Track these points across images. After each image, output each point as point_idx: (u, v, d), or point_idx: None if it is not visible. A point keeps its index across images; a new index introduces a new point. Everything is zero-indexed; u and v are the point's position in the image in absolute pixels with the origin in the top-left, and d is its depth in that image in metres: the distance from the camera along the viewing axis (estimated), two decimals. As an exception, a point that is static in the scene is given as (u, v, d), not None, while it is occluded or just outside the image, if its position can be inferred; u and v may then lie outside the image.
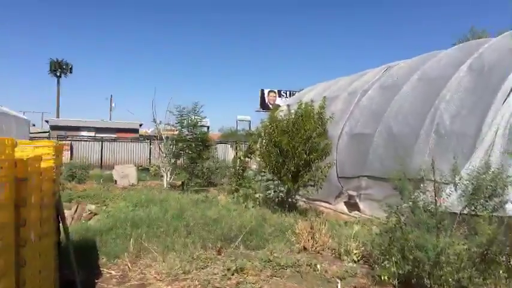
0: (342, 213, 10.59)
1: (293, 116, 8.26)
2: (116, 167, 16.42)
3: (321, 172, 8.41)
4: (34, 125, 63.17)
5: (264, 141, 8.76)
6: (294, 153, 7.89)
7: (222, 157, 21.50)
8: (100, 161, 21.74)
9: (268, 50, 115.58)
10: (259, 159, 8.88)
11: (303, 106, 8.39)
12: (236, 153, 12.53)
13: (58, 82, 64.06)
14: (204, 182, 15.62)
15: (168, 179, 13.87)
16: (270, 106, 58.10)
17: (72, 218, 8.65)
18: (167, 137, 14.21)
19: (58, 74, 64.20)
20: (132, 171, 16.10)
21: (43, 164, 2.98)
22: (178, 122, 13.47)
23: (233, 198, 10.93)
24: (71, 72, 65.95)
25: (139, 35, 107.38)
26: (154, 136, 15.12)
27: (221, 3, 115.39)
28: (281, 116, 8.74)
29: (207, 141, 15.56)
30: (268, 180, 9.22)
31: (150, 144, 19.40)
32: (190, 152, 13.32)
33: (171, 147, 13.82)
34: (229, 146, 24.87)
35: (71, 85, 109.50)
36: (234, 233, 6.25)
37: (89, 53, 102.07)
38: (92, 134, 38.50)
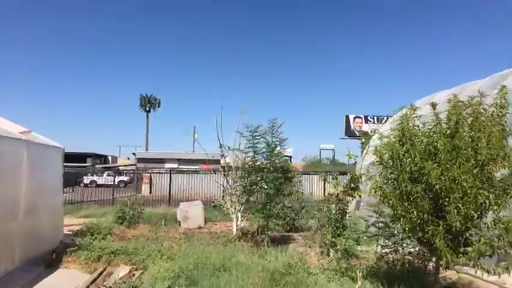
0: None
1: (447, 125, 4.33)
2: (180, 205, 13.58)
3: (503, 228, 4.25)
4: (129, 159, 66.41)
5: (383, 171, 4.91)
6: (455, 193, 3.95)
7: (307, 191, 17.71)
8: (168, 196, 19.27)
9: (351, 73, 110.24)
10: (380, 202, 4.98)
11: (458, 103, 4.40)
12: (330, 187, 8.63)
13: (147, 116, 66.70)
14: (285, 226, 11.97)
15: (238, 223, 10.50)
16: (356, 133, 53.44)
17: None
18: (237, 167, 10.94)
19: (147, 108, 66.89)
20: (197, 211, 13.11)
21: None
22: (251, 147, 10.13)
23: (329, 259, 7.14)
24: (159, 106, 68.51)
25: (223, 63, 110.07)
26: (223, 166, 12.02)
27: (298, 24, 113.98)
28: (416, 127, 4.84)
29: (289, 171, 11.98)
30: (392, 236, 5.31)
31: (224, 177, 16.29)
32: (266, 187, 9.81)
33: (243, 180, 10.50)
34: (316, 177, 20.94)
35: (159, 119, 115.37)
36: None
37: (175, 88, 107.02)
38: (175, 165, 37.68)
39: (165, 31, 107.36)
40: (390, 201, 4.64)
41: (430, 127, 4.69)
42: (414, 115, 4.94)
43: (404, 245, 7.01)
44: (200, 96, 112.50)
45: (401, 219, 4.49)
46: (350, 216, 8.44)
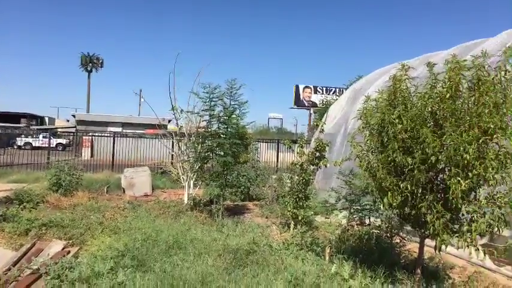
0: (485, 268, 6.04)
1: (446, 87, 3.72)
2: (125, 171, 12.41)
3: (501, 203, 3.78)
4: (68, 121, 62.12)
5: (370, 140, 4.25)
6: (458, 165, 3.39)
7: (261, 160, 17.21)
8: (112, 161, 17.82)
9: (303, 43, 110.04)
10: (366, 175, 4.35)
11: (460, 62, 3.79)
12: (294, 155, 8.01)
13: (89, 77, 62.25)
14: (240, 195, 11.35)
15: (190, 192, 9.66)
16: (305, 103, 53.68)
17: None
18: (190, 133, 9.98)
19: (89, 68, 62.31)
20: (144, 177, 12.04)
21: None
22: (207, 109, 9.15)
23: (292, 233, 6.60)
24: (101, 66, 64.08)
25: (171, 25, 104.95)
26: (170, 132, 10.95)
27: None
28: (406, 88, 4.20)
29: (245, 138, 11.23)
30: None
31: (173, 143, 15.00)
32: (222, 154, 8.98)
33: (196, 146, 9.59)
34: (264, 145, 20.40)
35: (102, 80, 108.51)
36: None
37: (119, 46, 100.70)
38: (119, 129, 35.51)
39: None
40: (377, 173, 4.04)
41: (425, 90, 4.08)
42: (406, 76, 4.31)
43: (371, 218, 6.66)
44: (147, 57, 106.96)
45: (389, 193, 3.92)
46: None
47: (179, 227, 6.21)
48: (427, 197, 3.72)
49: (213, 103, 9.10)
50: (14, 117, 45.77)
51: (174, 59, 11.77)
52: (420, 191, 3.73)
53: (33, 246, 5.91)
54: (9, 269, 4.98)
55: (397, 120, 3.94)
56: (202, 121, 9.82)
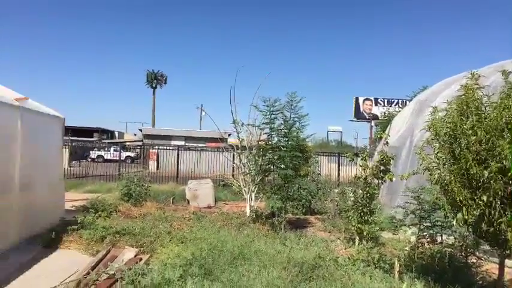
0: None
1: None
2: (189, 183, 12.89)
3: None
4: (135, 135, 66.08)
5: (441, 151, 4.04)
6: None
7: (322, 174, 16.97)
8: (176, 173, 18.60)
9: (363, 55, 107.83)
10: (437, 189, 4.13)
11: None
12: (357, 169, 7.83)
13: (154, 93, 65.79)
14: (301, 209, 11.28)
15: (251, 204, 9.79)
16: (366, 115, 52.17)
17: (78, 284, 4.90)
18: (251, 146, 10.15)
19: (154, 85, 65.92)
20: (207, 189, 12.42)
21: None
22: (267, 122, 9.28)
23: (358, 249, 6.42)
24: (165, 83, 67.49)
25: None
26: (232, 145, 11.21)
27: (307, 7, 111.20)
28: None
29: (306, 151, 11.18)
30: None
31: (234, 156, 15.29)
32: (283, 167, 9.02)
33: (257, 159, 9.73)
34: (324, 158, 20.14)
35: (166, 96, 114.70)
36: None
37: (183, 64, 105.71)
38: (182, 143, 37.06)
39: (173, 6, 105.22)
40: (449, 186, 3.83)
41: (500, 100, 3.83)
42: (477, 85, 4.07)
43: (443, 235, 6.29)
44: (208, 73, 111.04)
45: (463, 208, 3.70)
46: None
47: (243, 239, 6.32)
48: (506, 212, 3.46)
49: (273, 116, 9.21)
50: (88, 132, 49.53)
51: (235, 73, 12.12)
52: (499, 204, 3.48)
53: (108, 252, 6.30)
54: (88, 273, 5.36)
55: (470, 131, 3.73)
56: (263, 134, 9.95)
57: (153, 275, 4.72)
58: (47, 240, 6.68)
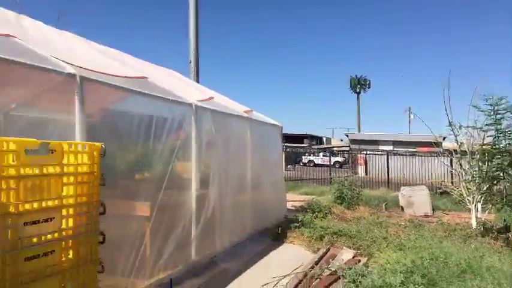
0: None
1: None
2: (402, 189, 12.48)
3: None
4: (342, 140, 68.25)
5: None
6: None
7: None
8: (387, 179, 18.19)
9: None
10: None
11: None
12: None
13: (358, 98, 66.21)
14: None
15: (478, 215, 8.75)
16: None
17: (305, 275, 5.53)
18: (472, 151, 9.08)
19: (358, 90, 66.36)
20: (423, 197, 11.73)
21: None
22: (492, 123, 8.15)
23: None
24: (369, 87, 66.99)
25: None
26: (453, 149, 10.20)
27: None
28: None
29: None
30: None
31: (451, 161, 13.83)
32: (516, 174, 7.74)
33: (481, 165, 8.65)
34: None
35: (369, 100, 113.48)
36: None
37: (385, 67, 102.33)
38: (390, 147, 36.00)
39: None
40: None
41: None
42: None
43: None
44: (414, 75, 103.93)
45: None
46: None
47: (470, 252, 5.77)
48: None
49: (499, 116, 8.11)
50: (298, 138, 53.54)
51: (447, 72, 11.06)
52: None
53: (327, 251, 6.83)
54: (312, 267, 5.96)
55: None
56: (487, 136, 8.79)
57: (373, 277, 4.90)
58: (275, 234, 7.71)
